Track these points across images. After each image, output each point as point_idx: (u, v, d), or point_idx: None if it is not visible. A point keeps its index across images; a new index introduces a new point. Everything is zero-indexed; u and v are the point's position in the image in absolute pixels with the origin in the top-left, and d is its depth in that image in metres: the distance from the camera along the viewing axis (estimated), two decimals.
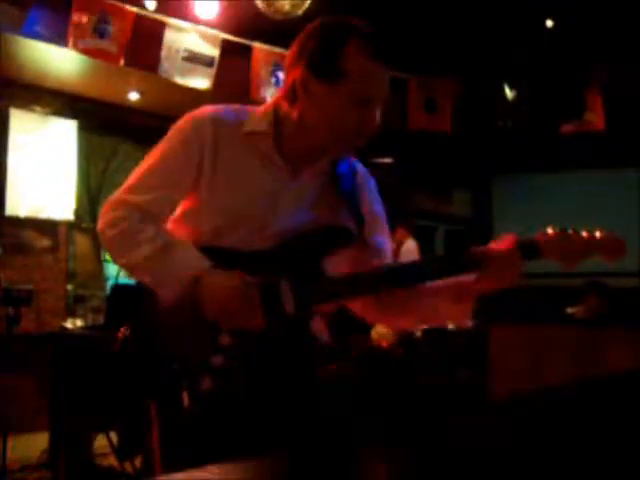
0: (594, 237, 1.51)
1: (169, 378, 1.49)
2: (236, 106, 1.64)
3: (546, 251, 1.52)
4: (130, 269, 1.57)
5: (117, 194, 1.57)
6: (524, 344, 5.19)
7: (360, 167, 1.72)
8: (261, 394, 1.54)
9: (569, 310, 5.69)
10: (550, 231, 1.52)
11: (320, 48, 1.49)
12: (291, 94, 1.54)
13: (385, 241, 1.71)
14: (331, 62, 1.47)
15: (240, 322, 1.47)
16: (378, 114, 1.52)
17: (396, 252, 3.31)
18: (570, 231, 1.52)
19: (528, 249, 1.52)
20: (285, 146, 1.58)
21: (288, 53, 1.57)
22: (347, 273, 1.61)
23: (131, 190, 1.56)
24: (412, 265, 1.70)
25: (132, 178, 1.58)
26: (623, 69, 5.01)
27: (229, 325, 1.47)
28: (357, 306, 1.71)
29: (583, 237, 1.52)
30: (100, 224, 1.56)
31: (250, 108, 1.64)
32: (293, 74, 1.52)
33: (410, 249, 3.36)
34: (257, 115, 1.60)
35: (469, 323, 3.23)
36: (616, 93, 5.09)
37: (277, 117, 1.58)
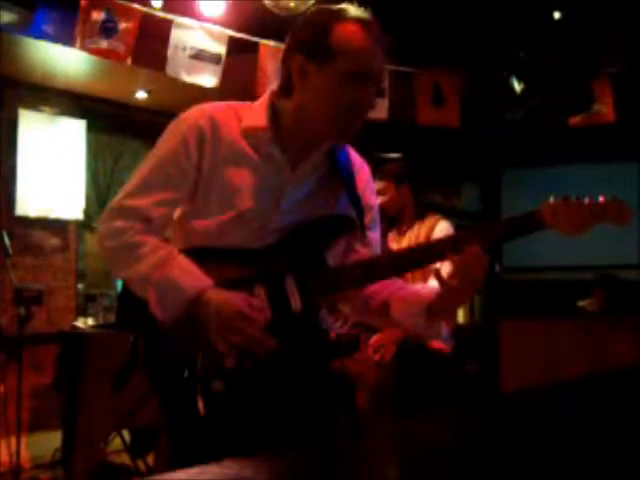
0: (598, 203, 1.51)
1: (181, 382, 1.49)
2: (232, 102, 1.64)
3: (550, 220, 1.51)
4: (129, 283, 1.55)
5: (116, 200, 1.55)
6: (534, 338, 5.17)
7: (356, 156, 1.72)
8: (274, 393, 1.54)
9: (579, 303, 5.67)
10: (552, 200, 1.52)
11: (310, 32, 1.53)
12: (287, 84, 1.56)
13: (376, 233, 1.73)
14: (322, 43, 1.49)
15: (248, 343, 1.45)
16: (373, 92, 1.54)
17: (428, 235, 3.22)
18: (573, 198, 1.52)
19: (532, 221, 1.52)
20: (284, 140, 1.58)
21: (283, 48, 1.59)
22: (350, 263, 1.62)
23: (131, 194, 1.54)
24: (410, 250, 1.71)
25: (131, 182, 1.56)
26: (632, 59, 4.98)
27: (237, 347, 1.45)
28: (344, 302, 1.72)
29: (586, 203, 1.51)
30: (100, 233, 1.54)
31: (246, 104, 1.64)
32: (288, 64, 1.55)
33: (445, 227, 3.26)
34: (254, 110, 1.60)
35: (443, 341, 3.19)
36: (626, 84, 5.05)
37: (274, 111, 1.59)
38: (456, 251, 1.51)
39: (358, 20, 1.51)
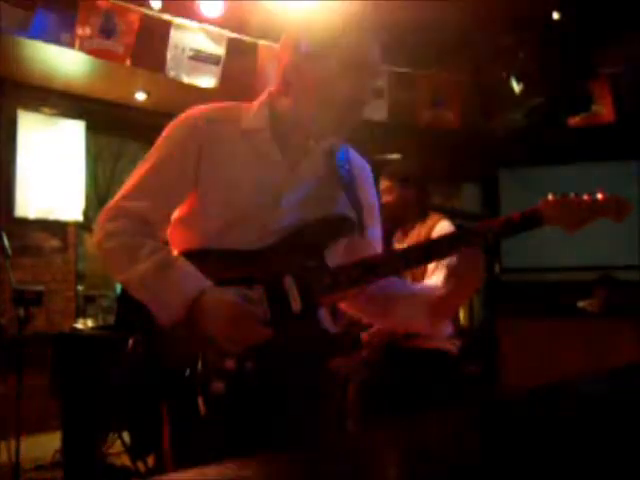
0: (596, 199, 1.54)
1: (181, 383, 1.48)
2: (229, 103, 1.64)
3: (549, 217, 1.53)
4: (127, 286, 1.54)
5: (114, 201, 1.54)
6: (534, 338, 5.18)
7: (355, 156, 1.72)
8: (275, 394, 1.54)
9: (580, 304, 5.67)
10: (551, 197, 1.54)
11: (304, 29, 1.53)
12: (284, 82, 1.56)
13: (378, 232, 1.73)
14: (316, 39, 1.50)
15: (246, 339, 1.45)
16: (370, 87, 1.55)
17: (428, 235, 3.20)
18: (571, 195, 1.54)
19: (531, 218, 1.54)
20: (283, 140, 1.58)
21: (279, 49, 1.59)
22: (349, 262, 1.61)
23: (128, 196, 1.53)
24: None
25: (129, 184, 1.55)
26: (631, 59, 4.98)
27: (236, 346, 1.45)
28: (345, 303, 1.72)
29: (585, 200, 1.54)
30: (97, 235, 1.53)
31: (243, 105, 1.64)
32: (283, 61, 1.55)
33: (445, 227, 3.25)
34: (252, 111, 1.60)
35: (447, 341, 3.19)
36: (625, 84, 5.05)
37: (272, 111, 1.59)
38: (453, 250, 1.51)
39: (353, 15, 1.51)
